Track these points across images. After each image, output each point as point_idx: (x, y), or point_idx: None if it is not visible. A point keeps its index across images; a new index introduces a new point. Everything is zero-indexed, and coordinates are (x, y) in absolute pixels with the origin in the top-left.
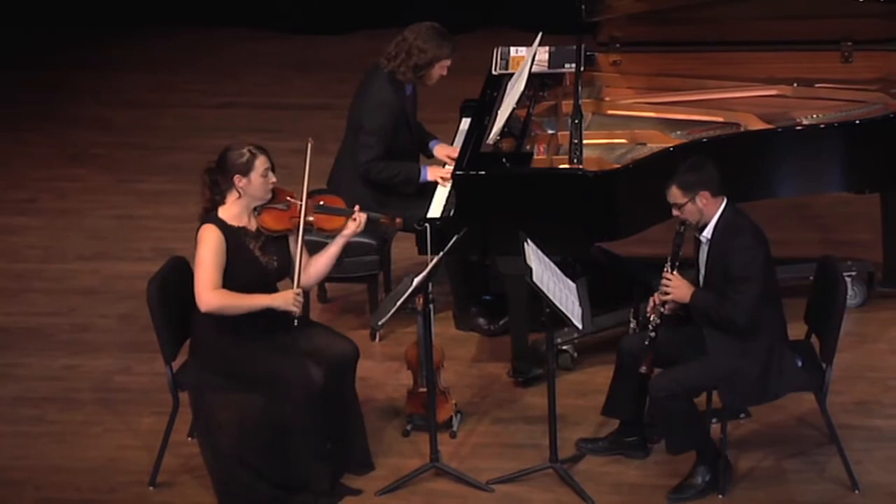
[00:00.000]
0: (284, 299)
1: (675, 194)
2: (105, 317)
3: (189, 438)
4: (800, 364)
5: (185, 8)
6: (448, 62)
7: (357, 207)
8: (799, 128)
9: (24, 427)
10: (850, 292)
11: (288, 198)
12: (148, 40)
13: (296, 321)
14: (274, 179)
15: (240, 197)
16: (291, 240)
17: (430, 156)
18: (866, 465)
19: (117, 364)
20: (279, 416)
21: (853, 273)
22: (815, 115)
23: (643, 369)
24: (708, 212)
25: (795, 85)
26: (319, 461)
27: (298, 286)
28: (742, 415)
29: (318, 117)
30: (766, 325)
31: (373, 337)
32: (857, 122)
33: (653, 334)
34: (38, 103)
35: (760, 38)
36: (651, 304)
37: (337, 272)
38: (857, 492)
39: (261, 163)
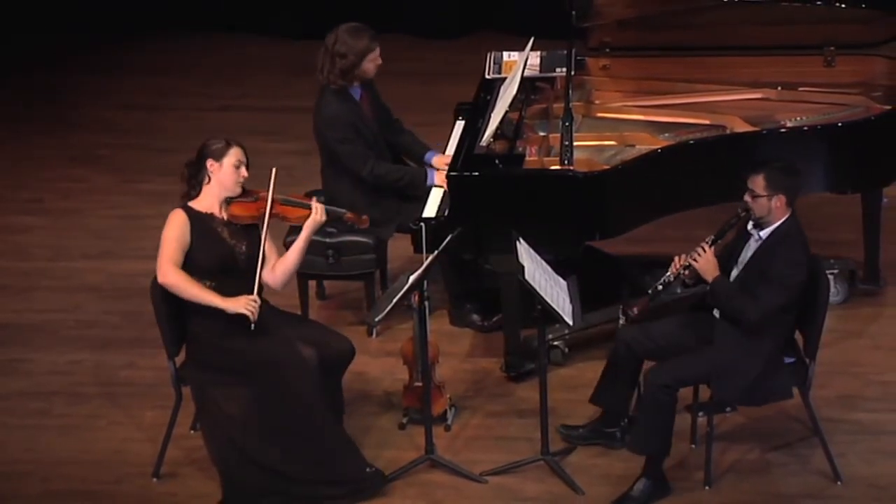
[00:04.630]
0: (236, 303)
1: (758, 183)
2: (110, 313)
3: (192, 431)
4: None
5: (187, 13)
6: (374, 53)
7: (315, 199)
8: (783, 130)
9: (31, 420)
10: (832, 290)
11: (256, 193)
12: (151, 44)
13: (252, 326)
14: (245, 174)
15: (210, 184)
16: (263, 236)
17: (427, 165)
18: (848, 458)
19: (122, 359)
20: (278, 404)
21: (836, 271)
22: (798, 118)
23: (634, 310)
24: (775, 215)
25: (779, 88)
26: (318, 452)
27: (256, 293)
28: (728, 408)
29: None
30: (777, 333)
31: (370, 333)
32: (840, 124)
33: (660, 287)
34: (44, 106)
35: (746, 43)
36: (674, 263)
37: (335, 270)
38: (839, 483)
39: (234, 153)
